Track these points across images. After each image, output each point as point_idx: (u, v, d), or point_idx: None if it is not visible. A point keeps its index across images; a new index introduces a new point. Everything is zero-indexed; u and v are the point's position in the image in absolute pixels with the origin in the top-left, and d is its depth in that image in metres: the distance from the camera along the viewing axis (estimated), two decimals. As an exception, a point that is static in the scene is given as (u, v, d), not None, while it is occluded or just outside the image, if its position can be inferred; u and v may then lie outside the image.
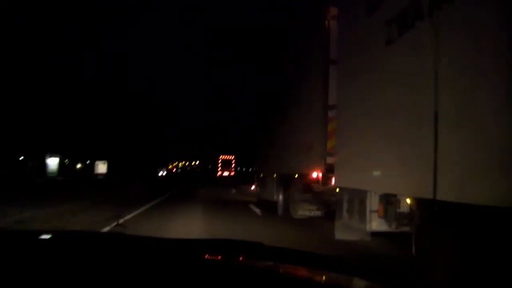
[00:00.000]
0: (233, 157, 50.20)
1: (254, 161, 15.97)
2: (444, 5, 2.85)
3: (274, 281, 1.14)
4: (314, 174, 6.54)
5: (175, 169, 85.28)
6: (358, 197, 4.65)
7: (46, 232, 1.86)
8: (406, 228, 3.89)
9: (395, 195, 3.83)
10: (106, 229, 5.55)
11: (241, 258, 1.41)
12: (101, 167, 38.64)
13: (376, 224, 4.27)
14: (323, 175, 6.09)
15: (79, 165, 43.58)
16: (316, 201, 7.73)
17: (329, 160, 6.13)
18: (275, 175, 10.30)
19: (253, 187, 15.21)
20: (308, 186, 7.57)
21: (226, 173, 47.97)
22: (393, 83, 3.72)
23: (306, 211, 7.96)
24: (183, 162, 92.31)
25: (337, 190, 5.63)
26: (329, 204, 7.53)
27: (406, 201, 3.73)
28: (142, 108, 43.40)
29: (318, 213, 7.98)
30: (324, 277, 1.23)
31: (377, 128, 4.12)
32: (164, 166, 49.25)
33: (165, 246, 1.55)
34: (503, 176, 2.32)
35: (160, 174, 45.83)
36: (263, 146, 13.15)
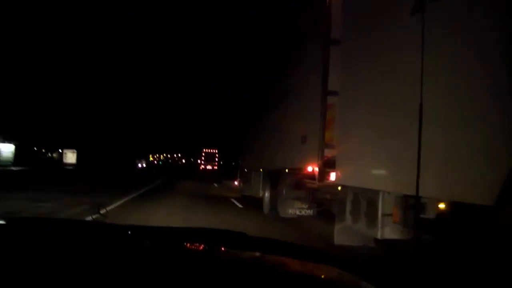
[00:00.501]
0: (216, 150, 49.59)
1: (237, 154, 15.12)
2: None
3: (256, 271, 1.16)
4: (309, 169, 5.77)
5: (156, 161, 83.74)
6: (366, 198, 3.92)
7: (25, 220, 1.89)
8: (428, 238, 3.17)
9: (418, 197, 3.09)
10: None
11: (223, 248, 1.42)
12: (70, 157, 35.48)
13: (390, 230, 3.55)
14: (319, 169, 5.32)
15: (54, 155, 41.55)
16: (308, 199, 6.99)
17: (328, 152, 5.37)
18: (261, 170, 9.52)
19: (236, 182, 14.40)
20: (299, 182, 6.82)
21: (209, 167, 47.42)
22: (405, 65, 3.30)
23: (296, 209, 7.21)
24: (165, 154, 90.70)
25: (339, 188, 4.89)
26: (322, 203, 6.82)
27: (436, 206, 3.00)
28: (120, 99, 41.49)
29: (309, 212, 7.26)
30: (305, 267, 1.26)
31: (391, 118, 3.43)
32: (144, 157, 46.72)
33: (146, 234, 1.56)
34: None
35: (139, 166, 43.57)
36: (247, 139, 12.35)
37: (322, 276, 1.20)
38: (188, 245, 1.46)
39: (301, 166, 6.39)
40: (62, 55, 32.07)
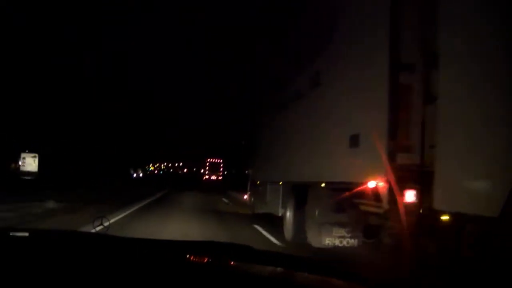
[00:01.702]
0: (221, 160, 48.01)
1: (247, 164, 13.18)
2: None
3: (262, 285, 1.17)
4: (371, 184, 3.88)
5: (157, 171, 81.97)
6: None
7: (23, 231, 1.88)
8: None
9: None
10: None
11: (229, 261, 1.44)
12: (30, 163, 26.08)
13: None
14: (392, 185, 3.44)
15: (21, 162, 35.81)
16: (355, 226, 5.09)
17: (402, 159, 3.52)
18: (280, 183, 7.64)
19: (245, 197, 12.49)
20: (344, 202, 4.94)
21: (213, 177, 45.83)
22: None
23: (335, 238, 5.29)
24: (165, 163, 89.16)
25: (445, 217, 3.01)
26: (373, 231, 4.92)
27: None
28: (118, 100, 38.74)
29: (352, 242, 5.33)
30: (312, 281, 1.27)
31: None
32: (140, 166, 40.41)
33: (150, 247, 1.57)
34: None
35: (134, 175, 36.92)
36: (258, 146, 10.48)
37: None
38: (193, 258, 1.46)
39: (350, 179, 4.52)
40: (61, 55, 31.58)
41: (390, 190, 3.52)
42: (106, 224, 2.32)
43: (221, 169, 47.77)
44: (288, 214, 7.02)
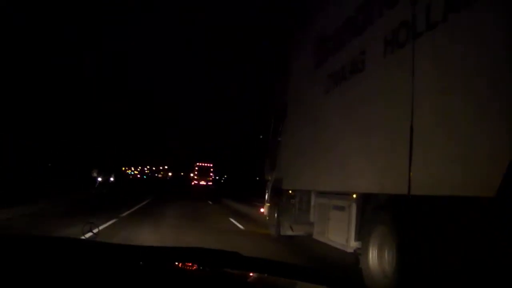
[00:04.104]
0: (212, 164, 45.12)
1: (267, 166, 10.05)
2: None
3: None
4: None
5: (139, 175, 78.21)
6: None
7: (8, 237, 1.82)
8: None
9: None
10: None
11: (216, 267, 1.44)
12: None
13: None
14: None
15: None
16: None
17: None
18: (354, 196, 4.73)
19: (264, 210, 9.50)
20: None
21: (203, 182, 42.77)
22: None
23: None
24: (148, 167, 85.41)
25: None
26: None
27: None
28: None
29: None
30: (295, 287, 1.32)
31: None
32: (108, 169, 28.28)
33: (138, 254, 1.57)
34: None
35: (99, 180, 24.48)
36: (290, 141, 7.54)
37: None
38: (181, 264, 1.49)
39: None
40: (60, 55, 31.48)
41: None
42: (95, 230, 2.41)
43: (211, 174, 44.96)
44: (372, 252, 4.17)
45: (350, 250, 4.73)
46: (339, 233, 4.99)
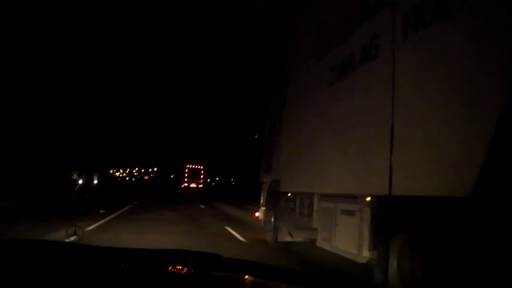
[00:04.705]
0: (202, 166, 44.40)
1: (262, 167, 9.46)
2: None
3: None
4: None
5: (128, 177, 76.86)
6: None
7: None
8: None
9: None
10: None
11: (197, 269, 1.44)
12: None
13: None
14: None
15: None
16: None
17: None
18: (368, 199, 4.20)
19: (258, 214, 8.93)
20: None
21: (193, 185, 42.05)
22: None
23: None
24: (137, 168, 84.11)
25: None
26: None
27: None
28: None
29: None
30: None
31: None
32: (91, 171, 24.32)
33: (120, 256, 1.59)
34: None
35: (79, 183, 22.06)
36: (290, 140, 7.01)
37: None
38: (161, 266, 1.48)
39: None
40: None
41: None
42: (79, 233, 2.43)
43: (202, 176, 44.24)
44: (393, 266, 3.66)
45: (362, 260, 4.23)
46: (348, 241, 4.48)
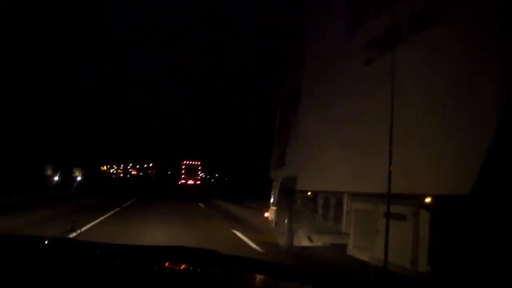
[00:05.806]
0: (200, 162, 43.71)
1: (273, 162, 8.63)
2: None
3: None
4: None
5: (122, 174, 75.87)
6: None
7: None
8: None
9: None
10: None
11: (197, 266, 1.45)
12: None
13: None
14: None
15: None
16: None
17: None
18: (427, 200, 3.38)
19: (269, 214, 8.11)
20: None
21: (191, 182, 41.44)
22: None
23: None
24: (131, 164, 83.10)
25: None
26: None
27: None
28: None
29: None
30: (279, 285, 1.33)
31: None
32: (71, 166, 22.32)
33: (119, 252, 1.58)
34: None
35: (55, 179, 19.66)
36: (309, 131, 6.18)
37: None
38: (161, 263, 1.47)
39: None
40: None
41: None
42: (77, 229, 2.39)
43: (200, 173, 43.63)
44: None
45: (415, 275, 3.42)
46: (397, 252, 3.67)
